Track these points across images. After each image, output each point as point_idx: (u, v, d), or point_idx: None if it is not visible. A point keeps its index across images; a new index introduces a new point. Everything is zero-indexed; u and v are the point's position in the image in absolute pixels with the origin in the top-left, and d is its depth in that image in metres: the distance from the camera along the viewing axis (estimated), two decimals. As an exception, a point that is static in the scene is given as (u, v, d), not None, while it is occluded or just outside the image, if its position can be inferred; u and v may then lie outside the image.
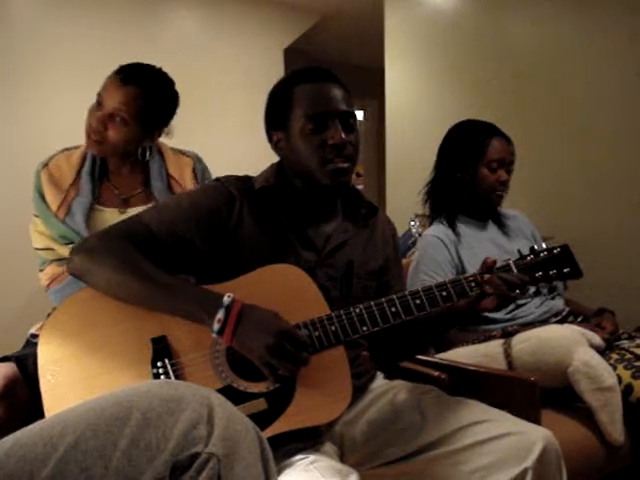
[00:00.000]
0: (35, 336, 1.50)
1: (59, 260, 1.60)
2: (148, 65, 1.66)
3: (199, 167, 1.76)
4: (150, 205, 1.59)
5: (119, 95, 1.57)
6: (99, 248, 1.16)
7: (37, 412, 1.05)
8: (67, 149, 1.70)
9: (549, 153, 2.50)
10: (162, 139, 1.74)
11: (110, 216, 1.62)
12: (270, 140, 1.32)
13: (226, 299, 1.06)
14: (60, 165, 1.66)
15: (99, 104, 1.59)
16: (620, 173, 2.29)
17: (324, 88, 1.24)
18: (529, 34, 2.67)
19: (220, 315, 1.05)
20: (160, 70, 1.67)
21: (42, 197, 1.63)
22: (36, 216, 1.65)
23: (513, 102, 2.66)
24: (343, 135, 1.20)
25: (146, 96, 1.59)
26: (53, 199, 1.62)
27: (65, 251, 1.56)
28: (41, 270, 1.65)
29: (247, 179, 1.31)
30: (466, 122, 1.96)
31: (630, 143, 2.26)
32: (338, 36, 4.23)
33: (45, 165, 1.66)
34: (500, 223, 1.97)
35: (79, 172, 1.65)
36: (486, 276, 1.19)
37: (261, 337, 1.04)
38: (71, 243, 1.56)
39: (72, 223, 1.59)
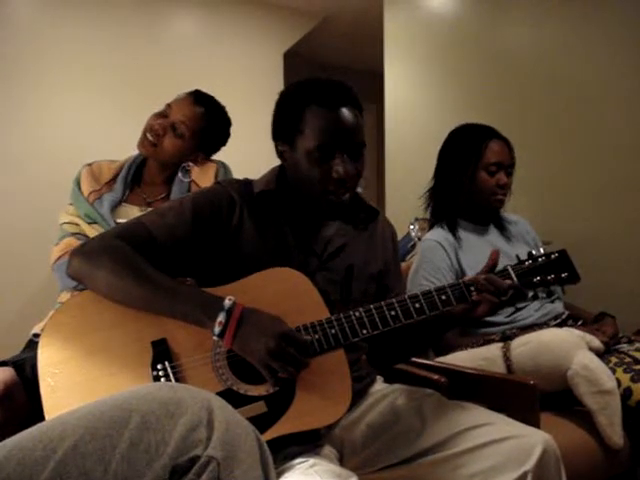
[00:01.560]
0: (38, 335, 1.51)
1: (79, 234, 1.71)
2: (218, 101, 1.84)
3: (222, 172, 1.85)
4: None
5: (188, 110, 1.75)
6: (97, 251, 1.16)
7: (35, 416, 1.05)
8: (112, 161, 1.87)
9: (549, 156, 2.50)
10: None
11: (131, 211, 1.75)
12: (275, 147, 1.30)
13: (227, 302, 1.07)
14: (102, 167, 1.83)
15: (165, 114, 1.76)
16: (621, 177, 2.29)
17: (338, 117, 1.18)
18: (529, 37, 2.67)
19: (221, 318, 1.05)
20: (225, 109, 1.85)
21: (78, 187, 1.78)
22: (70, 204, 1.79)
23: (513, 106, 2.66)
24: (349, 168, 1.19)
25: (209, 120, 1.78)
26: (87, 187, 1.77)
27: (87, 228, 1.70)
28: (57, 244, 1.73)
29: (247, 183, 1.31)
30: (464, 126, 1.96)
31: (632, 146, 2.26)
32: (337, 40, 4.23)
33: (89, 165, 1.83)
34: (501, 227, 1.97)
35: (116, 177, 1.81)
36: (482, 278, 1.19)
37: (261, 340, 1.04)
38: (94, 223, 1.71)
39: (99, 207, 1.73)
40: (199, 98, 1.79)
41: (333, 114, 1.18)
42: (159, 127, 1.74)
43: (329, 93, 1.21)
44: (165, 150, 1.75)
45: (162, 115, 1.76)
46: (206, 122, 1.77)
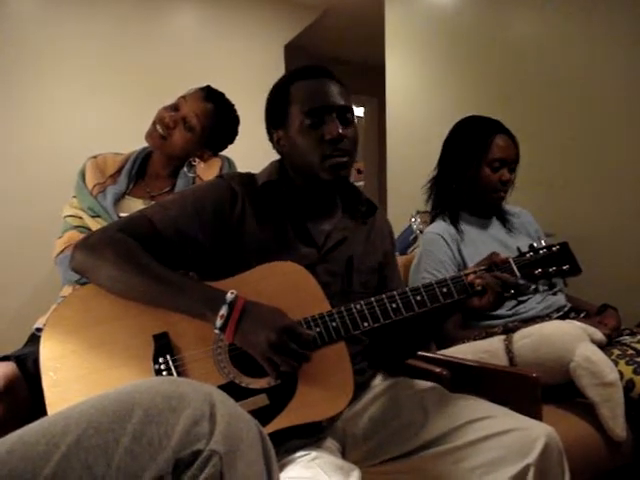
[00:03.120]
0: (40, 330, 1.51)
1: (81, 227, 1.71)
2: (228, 98, 1.86)
3: (226, 166, 1.85)
4: None
5: (199, 106, 1.76)
6: (101, 243, 1.16)
7: (37, 411, 1.05)
8: (117, 153, 1.87)
9: (551, 149, 2.50)
10: None
11: (134, 204, 1.74)
12: (271, 139, 1.33)
13: (229, 295, 1.07)
14: (107, 159, 1.83)
15: (176, 107, 1.76)
16: (622, 169, 2.28)
17: (320, 84, 1.26)
18: (531, 30, 2.66)
19: (223, 311, 1.05)
20: (234, 107, 1.86)
21: (83, 179, 1.78)
22: (74, 197, 1.78)
23: (515, 99, 2.65)
24: (340, 129, 1.22)
25: (219, 117, 1.79)
26: (91, 180, 1.77)
27: (90, 222, 1.70)
28: (60, 237, 1.74)
29: (249, 176, 1.32)
30: (471, 118, 1.95)
31: (634, 139, 2.25)
32: (339, 32, 4.22)
33: (94, 157, 1.83)
34: (504, 220, 1.97)
35: (120, 170, 1.79)
36: (480, 273, 1.19)
37: (263, 333, 1.04)
38: (97, 216, 1.70)
39: (102, 201, 1.72)
40: (210, 95, 1.79)
41: (315, 81, 1.26)
42: (170, 120, 1.74)
43: (310, 69, 1.29)
44: (174, 143, 1.75)
45: (173, 108, 1.76)
46: (215, 118, 1.78)
